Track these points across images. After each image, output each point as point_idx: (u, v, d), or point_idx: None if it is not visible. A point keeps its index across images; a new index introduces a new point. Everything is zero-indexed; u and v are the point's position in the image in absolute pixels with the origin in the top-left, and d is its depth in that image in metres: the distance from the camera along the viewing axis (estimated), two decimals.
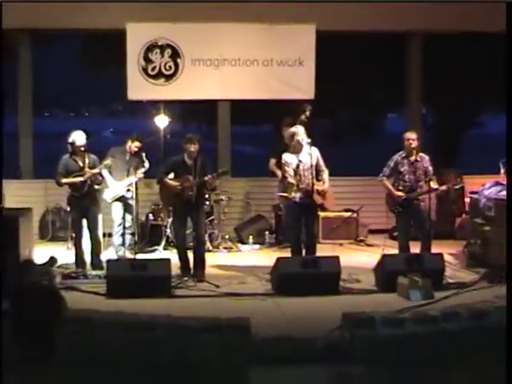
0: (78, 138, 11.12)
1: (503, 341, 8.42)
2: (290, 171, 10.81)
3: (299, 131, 10.94)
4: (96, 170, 11.13)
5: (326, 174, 10.97)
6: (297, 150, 10.90)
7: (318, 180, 10.88)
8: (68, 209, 11.68)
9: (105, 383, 7.49)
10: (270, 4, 13.53)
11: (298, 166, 10.79)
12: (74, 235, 11.40)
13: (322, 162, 10.99)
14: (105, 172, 11.52)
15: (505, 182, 12.31)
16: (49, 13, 13.36)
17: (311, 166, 10.78)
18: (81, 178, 10.99)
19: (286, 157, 10.96)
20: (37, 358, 7.89)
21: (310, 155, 10.78)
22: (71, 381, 7.54)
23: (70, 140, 11.13)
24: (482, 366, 7.94)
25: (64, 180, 11.08)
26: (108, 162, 11.40)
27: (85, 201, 11.17)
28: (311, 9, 13.57)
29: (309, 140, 10.83)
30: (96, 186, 11.21)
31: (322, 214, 12.53)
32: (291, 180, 10.80)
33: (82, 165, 11.07)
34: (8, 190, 12.19)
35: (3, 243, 9.78)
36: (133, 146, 11.91)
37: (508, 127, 9.66)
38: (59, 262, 11.19)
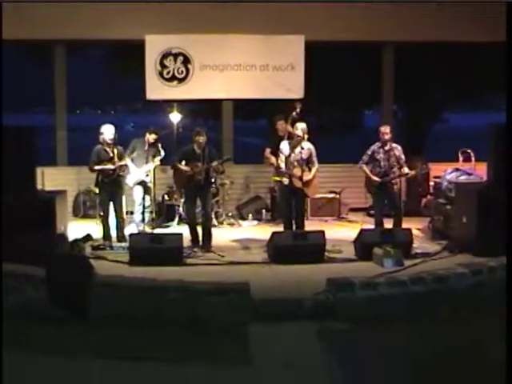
0: (109, 131, 11.11)
1: (461, 301, 8.50)
2: (282, 157, 10.82)
3: (299, 127, 10.82)
4: (123, 162, 11.14)
5: (314, 168, 10.88)
6: (294, 142, 10.87)
7: (308, 170, 10.87)
8: (97, 191, 11.65)
9: (126, 337, 7.51)
10: (267, 17, 13.49)
11: (289, 156, 10.77)
12: (102, 213, 11.39)
13: (314, 158, 10.92)
14: (128, 161, 11.50)
15: (463, 169, 12.33)
16: (81, 26, 13.31)
17: (301, 158, 10.77)
18: (111, 166, 11.02)
19: (283, 145, 10.94)
20: (71, 315, 7.93)
21: (301, 149, 10.78)
22: (98, 334, 7.56)
23: (101, 131, 11.12)
24: (443, 321, 7.98)
25: (96, 167, 11.08)
26: (133, 155, 11.47)
27: (112, 185, 11.16)
28: (301, 22, 13.52)
29: (305, 137, 10.81)
30: (121, 173, 11.22)
31: None
32: (281, 165, 10.82)
33: (111, 155, 11.06)
34: (46, 176, 12.16)
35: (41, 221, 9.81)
36: (150, 137, 11.88)
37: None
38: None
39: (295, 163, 10.75)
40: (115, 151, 11.10)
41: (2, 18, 10.84)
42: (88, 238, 10.63)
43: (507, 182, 9.70)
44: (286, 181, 10.80)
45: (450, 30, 13.96)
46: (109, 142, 11.08)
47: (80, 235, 11.01)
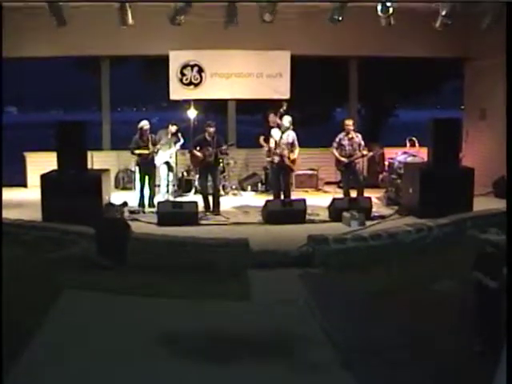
0: (145, 124, 11.08)
1: (407, 250, 8.54)
2: (273, 142, 10.75)
3: (285, 119, 10.84)
4: (154, 148, 11.02)
5: (296, 150, 10.80)
6: (281, 130, 10.81)
7: (292, 152, 10.81)
8: (135, 169, 11.61)
9: (153, 279, 7.53)
10: (261, 37, 13.28)
11: (279, 140, 10.73)
12: (138, 186, 11.31)
13: (296, 142, 10.84)
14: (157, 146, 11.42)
15: (410, 152, 12.29)
16: (120, 45, 13.12)
17: (287, 142, 10.72)
18: (147, 152, 10.93)
19: (274, 132, 10.86)
20: (113, 262, 7.94)
21: (288, 136, 10.73)
22: (133, 276, 7.59)
23: (140, 126, 11.10)
24: (394, 267, 8.01)
25: (136, 151, 11.03)
26: (162, 142, 11.38)
27: (147, 165, 11.12)
28: (288, 41, 13.37)
29: (290, 126, 10.77)
30: (154, 156, 11.17)
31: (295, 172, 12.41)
32: (272, 148, 10.76)
33: (146, 142, 10.99)
34: (95, 158, 12.03)
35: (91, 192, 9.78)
36: (173, 128, 11.81)
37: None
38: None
39: (283, 146, 10.70)
40: (150, 139, 11.04)
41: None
42: (124, 204, 10.47)
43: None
44: (276, 159, 10.72)
45: (400, 49, 13.79)
46: (145, 132, 11.03)
47: (118, 202, 10.96)
